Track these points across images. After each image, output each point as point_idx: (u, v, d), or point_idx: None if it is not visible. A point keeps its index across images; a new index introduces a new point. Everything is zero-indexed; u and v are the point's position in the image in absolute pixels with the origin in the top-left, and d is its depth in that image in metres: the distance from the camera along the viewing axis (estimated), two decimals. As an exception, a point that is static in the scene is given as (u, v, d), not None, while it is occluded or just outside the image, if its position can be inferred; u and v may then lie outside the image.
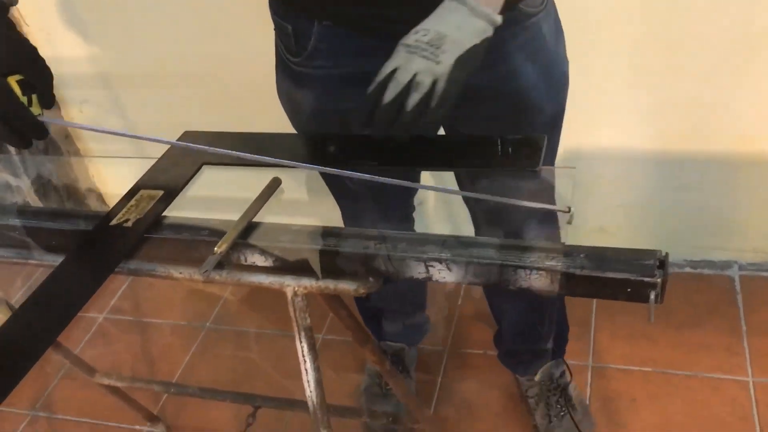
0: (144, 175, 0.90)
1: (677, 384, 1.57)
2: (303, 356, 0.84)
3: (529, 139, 0.83)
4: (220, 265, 0.79)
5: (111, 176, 2.21)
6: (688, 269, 1.83)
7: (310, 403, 0.86)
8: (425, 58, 0.79)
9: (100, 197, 2.19)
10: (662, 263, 0.66)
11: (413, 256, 0.73)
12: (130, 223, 0.82)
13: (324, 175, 1.11)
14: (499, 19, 0.82)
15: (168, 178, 0.89)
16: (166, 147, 0.95)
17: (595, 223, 1.82)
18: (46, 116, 0.84)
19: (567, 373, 1.53)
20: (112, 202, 2.21)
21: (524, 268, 0.69)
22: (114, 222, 0.82)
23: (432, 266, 0.72)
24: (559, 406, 1.48)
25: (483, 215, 1.27)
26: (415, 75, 0.79)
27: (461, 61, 0.80)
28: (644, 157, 1.68)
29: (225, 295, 2.00)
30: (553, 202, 0.80)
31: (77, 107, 2.01)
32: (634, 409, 1.53)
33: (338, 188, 1.24)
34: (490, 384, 1.60)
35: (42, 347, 0.69)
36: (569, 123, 1.13)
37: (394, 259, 0.74)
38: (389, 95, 0.80)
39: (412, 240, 0.74)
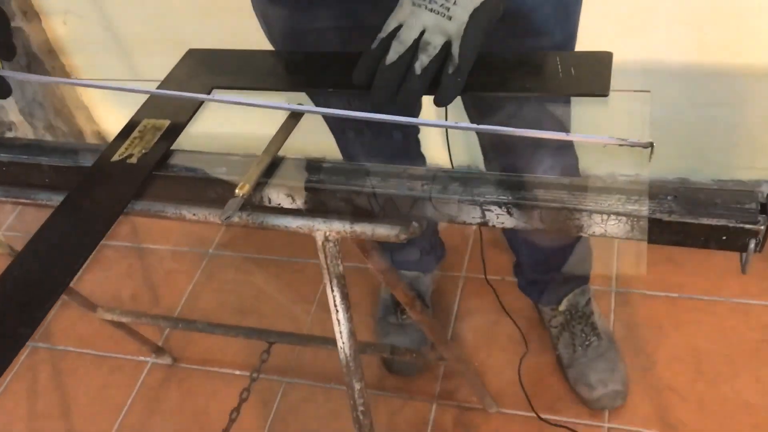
0: (147, 101, 0.79)
1: (704, 310, 1.51)
2: (335, 306, 0.75)
3: (593, 56, 0.72)
4: (242, 207, 0.69)
5: (100, 93, 2.06)
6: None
7: (342, 355, 0.78)
8: (434, 13, 0.67)
9: (90, 117, 2.06)
10: (764, 207, 0.57)
11: (468, 199, 0.63)
12: (134, 159, 0.71)
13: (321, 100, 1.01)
14: None
15: (174, 105, 0.78)
16: (160, 67, 0.83)
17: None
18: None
19: (592, 301, 1.47)
20: (101, 121, 2.09)
21: (601, 213, 0.59)
22: (116, 158, 0.71)
23: (489, 210, 0.63)
24: (584, 335, 1.42)
25: (491, 144, 1.17)
26: (422, 33, 0.67)
27: (477, 16, 0.67)
28: (675, 70, 1.57)
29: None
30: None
31: (60, 18, 1.85)
32: (660, 337, 1.47)
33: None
34: (509, 311, 1.54)
35: (50, 299, 0.60)
36: (591, 31, 1.00)
37: (445, 203, 0.64)
38: (391, 57, 0.68)
39: (466, 180, 0.64)
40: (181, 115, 0.76)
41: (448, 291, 1.63)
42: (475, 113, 1.07)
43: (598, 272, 1.55)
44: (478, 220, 0.64)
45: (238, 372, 1.55)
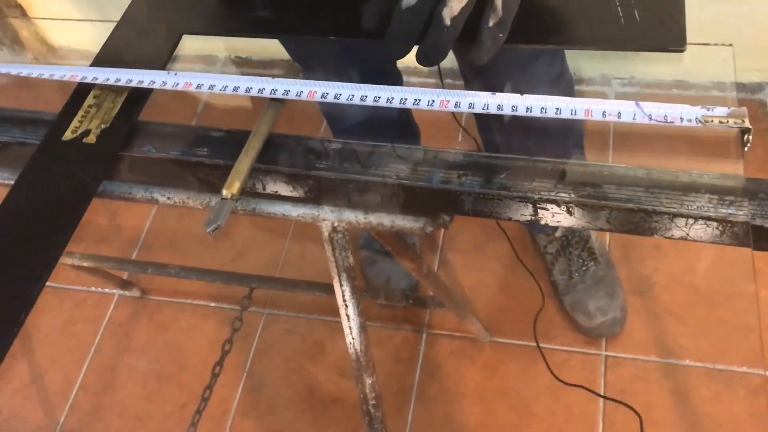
0: (99, 53, 0.63)
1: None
2: (344, 301, 0.64)
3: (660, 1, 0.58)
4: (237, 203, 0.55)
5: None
6: (714, 92, 1.63)
7: (351, 350, 0.67)
8: None
9: (24, 14, 1.82)
10: None
11: (518, 195, 0.51)
12: (92, 137, 0.56)
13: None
14: None
15: (135, 55, 0.62)
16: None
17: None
18: None
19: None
20: (39, 14, 1.85)
21: (687, 216, 0.48)
22: (68, 135, 0.57)
23: (545, 209, 0.51)
24: (580, 261, 1.35)
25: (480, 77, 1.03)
26: None
27: None
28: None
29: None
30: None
31: None
32: (657, 258, 1.41)
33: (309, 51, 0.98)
34: (500, 235, 1.45)
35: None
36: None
37: (488, 198, 0.52)
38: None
39: (514, 169, 0.52)
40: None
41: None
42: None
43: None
44: (528, 218, 0.52)
45: (213, 304, 1.45)
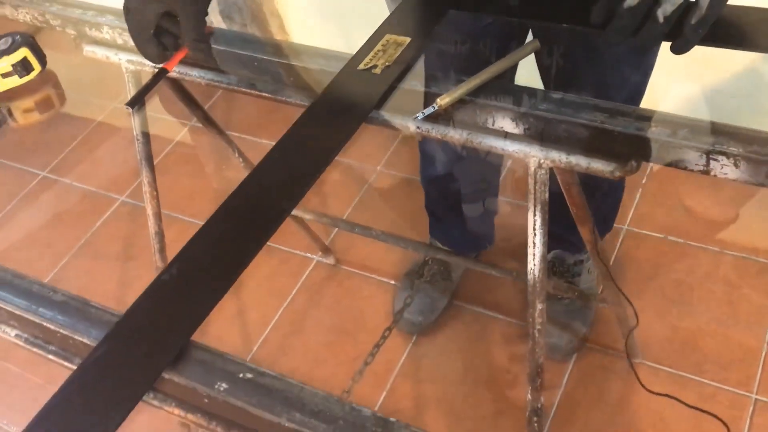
0: (389, 17, 0.86)
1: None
2: (534, 230, 0.81)
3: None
4: (449, 122, 0.75)
5: (293, 4, 2.18)
6: None
7: (530, 276, 0.84)
8: None
9: (281, 26, 2.18)
10: None
11: (695, 145, 0.66)
12: (378, 70, 0.78)
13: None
14: None
15: (413, 23, 0.84)
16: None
17: None
18: None
19: (586, 267, 1.45)
20: (292, 31, 2.21)
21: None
22: (362, 66, 0.79)
23: (715, 159, 0.66)
24: (558, 290, 1.39)
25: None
26: None
27: None
28: None
29: (395, 143, 1.99)
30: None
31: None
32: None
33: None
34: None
35: (298, 193, 0.69)
36: None
37: (668, 145, 0.67)
38: (631, 1, 0.68)
39: (696, 128, 0.67)
40: (419, 34, 0.82)
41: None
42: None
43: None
44: (701, 168, 0.67)
45: (393, 282, 1.65)
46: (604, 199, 1.33)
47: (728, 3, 0.70)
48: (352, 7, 1.83)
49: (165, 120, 2.10)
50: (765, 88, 1.48)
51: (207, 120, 1.16)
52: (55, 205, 2.00)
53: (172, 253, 0.66)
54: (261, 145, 1.93)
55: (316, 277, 1.71)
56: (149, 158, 1.07)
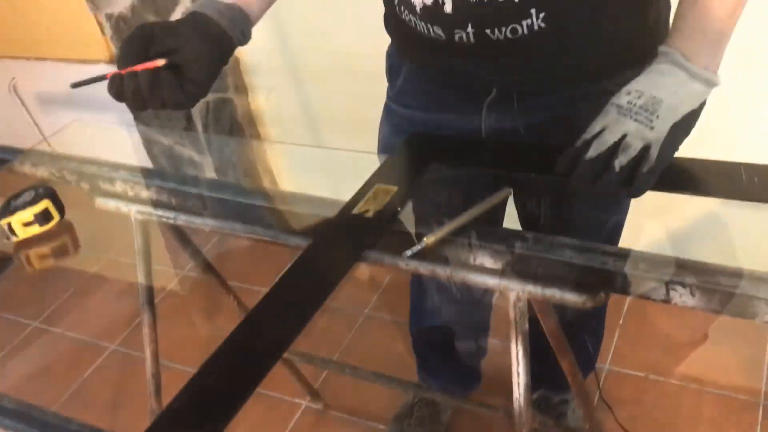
0: (377, 170, 0.96)
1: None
2: (517, 359, 0.86)
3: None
4: (439, 259, 0.83)
5: (284, 161, 2.32)
6: None
7: (516, 405, 0.88)
8: (637, 122, 0.78)
9: (273, 181, 2.31)
10: None
11: (654, 277, 0.74)
12: (370, 214, 0.87)
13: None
14: (718, 80, 0.79)
15: (400, 174, 0.94)
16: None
17: None
18: None
19: (570, 407, 1.48)
20: (282, 185, 2.34)
21: (777, 302, 0.68)
22: (355, 211, 0.88)
23: (674, 289, 0.73)
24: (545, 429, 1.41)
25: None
26: (623, 136, 0.78)
27: (676, 128, 0.78)
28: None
29: (379, 290, 2.06)
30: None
31: (264, 93, 2.13)
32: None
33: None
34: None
35: (295, 330, 0.75)
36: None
37: (633, 278, 0.75)
38: (593, 152, 0.78)
39: (654, 261, 0.75)
40: (405, 183, 0.92)
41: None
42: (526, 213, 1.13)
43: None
44: (662, 297, 0.74)
45: (382, 426, 1.66)
46: (584, 338, 1.40)
47: (676, 155, 0.81)
48: (341, 163, 1.96)
49: (158, 269, 2.16)
50: (713, 227, 1.58)
51: (206, 267, 1.24)
52: (46, 354, 2.02)
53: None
54: (252, 291, 2.00)
55: (305, 423, 1.71)
56: (151, 301, 1.13)
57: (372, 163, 1.17)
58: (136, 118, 2.28)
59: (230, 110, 2.14)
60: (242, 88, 2.13)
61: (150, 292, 1.11)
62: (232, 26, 0.88)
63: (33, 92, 2.56)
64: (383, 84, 1.91)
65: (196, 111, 2.19)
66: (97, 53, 2.25)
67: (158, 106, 0.83)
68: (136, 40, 0.83)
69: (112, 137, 1.79)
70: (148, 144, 2.35)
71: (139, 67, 0.81)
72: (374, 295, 2.04)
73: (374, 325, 1.96)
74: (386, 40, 1.83)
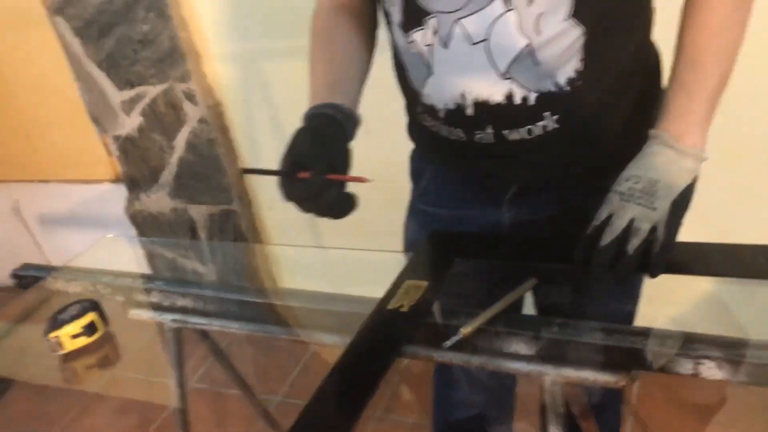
0: (406, 267, 1.02)
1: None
2: (554, 443, 0.89)
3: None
4: (472, 349, 0.88)
5: (285, 267, 2.37)
6: None
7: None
8: (641, 206, 0.85)
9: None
10: None
11: (683, 353, 0.79)
12: (405, 308, 0.92)
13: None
14: (706, 154, 0.86)
15: (428, 270, 1.00)
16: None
17: None
18: None
19: None
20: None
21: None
22: (391, 306, 0.93)
23: (701, 363, 0.78)
24: None
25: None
26: (631, 221, 0.85)
27: (676, 203, 0.85)
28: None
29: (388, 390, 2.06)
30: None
31: (267, 204, 2.21)
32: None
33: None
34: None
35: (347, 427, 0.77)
36: None
37: (661, 355, 0.80)
38: (606, 239, 0.85)
39: (679, 338, 0.81)
40: (435, 278, 0.97)
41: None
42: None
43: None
44: (691, 371, 0.79)
45: None
46: (609, 417, 1.41)
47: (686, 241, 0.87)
48: (354, 264, 2.02)
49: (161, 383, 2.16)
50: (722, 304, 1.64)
51: (239, 381, 1.26)
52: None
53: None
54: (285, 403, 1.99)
55: None
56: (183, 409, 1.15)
57: (376, 262, 1.23)
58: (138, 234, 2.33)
59: (234, 220, 2.21)
60: (246, 201, 2.21)
61: (183, 399, 1.14)
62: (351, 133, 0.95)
63: (37, 214, 2.63)
64: (385, 191, 2.01)
65: (201, 223, 2.25)
66: (103, 173, 2.33)
67: (323, 213, 0.89)
68: (312, 144, 0.88)
69: (136, 252, 1.84)
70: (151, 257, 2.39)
71: (335, 177, 0.86)
72: (384, 397, 2.04)
73: (387, 426, 1.96)
74: (380, 151, 1.93)
